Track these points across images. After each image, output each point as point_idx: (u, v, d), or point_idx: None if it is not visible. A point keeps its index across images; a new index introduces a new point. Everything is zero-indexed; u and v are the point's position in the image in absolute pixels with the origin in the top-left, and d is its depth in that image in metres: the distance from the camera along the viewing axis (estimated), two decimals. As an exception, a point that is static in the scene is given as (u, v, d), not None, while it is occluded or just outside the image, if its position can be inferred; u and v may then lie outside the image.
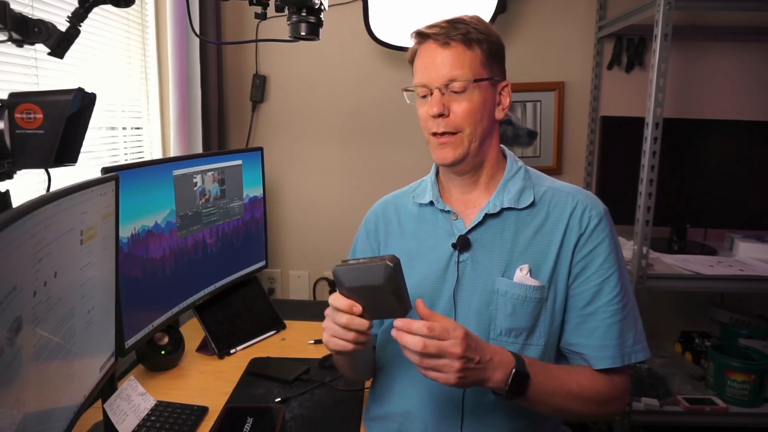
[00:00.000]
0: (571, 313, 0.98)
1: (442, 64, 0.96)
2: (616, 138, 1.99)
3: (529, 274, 0.97)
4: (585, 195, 1.01)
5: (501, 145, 1.08)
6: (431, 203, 1.06)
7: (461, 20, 0.98)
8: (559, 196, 1.01)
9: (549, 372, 0.93)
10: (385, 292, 0.81)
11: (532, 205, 1.00)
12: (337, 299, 0.86)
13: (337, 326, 0.86)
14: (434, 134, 0.98)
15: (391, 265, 0.80)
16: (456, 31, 0.95)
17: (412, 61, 1.04)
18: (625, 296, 0.97)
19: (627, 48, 2.13)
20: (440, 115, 0.96)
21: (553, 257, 0.97)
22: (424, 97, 0.99)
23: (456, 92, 0.96)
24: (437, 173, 1.11)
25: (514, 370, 0.87)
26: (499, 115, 1.02)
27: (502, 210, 1.00)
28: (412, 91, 1.02)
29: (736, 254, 1.93)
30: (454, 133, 0.97)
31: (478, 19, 0.99)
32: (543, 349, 0.98)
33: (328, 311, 0.90)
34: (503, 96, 1.02)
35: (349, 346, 0.87)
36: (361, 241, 1.18)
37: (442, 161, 1.00)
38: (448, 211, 1.04)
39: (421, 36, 0.99)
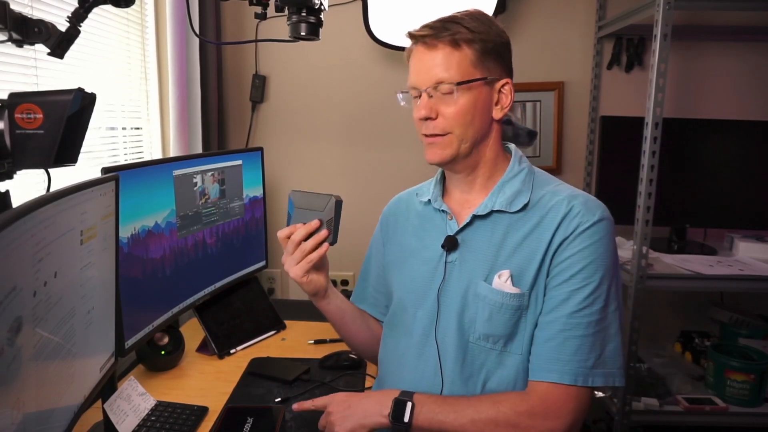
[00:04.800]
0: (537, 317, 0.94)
1: (429, 66, 0.95)
2: (616, 138, 1.99)
3: (509, 280, 0.93)
4: (583, 200, 0.94)
5: (508, 145, 1.06)
6: (430, 202, 1.07)
7: (454, 18, 0.95)
8: (554, 201, 0.95)
9: (443, 400, 0.93)
10: (324, 220, 1.01)
11: (525, 209, 0.96)
12: (283, 230, 1.03)
13: (300, 248, 1.01)
14: (425, 135, 0.99)
15: (335, 200, 1.00)
16: (445, 32, 0.93)
17: (408, 60, 1.04)
18: (598, 313, 0.90)
19: (627, 48, 2.13)
20: (428, 118, 0.96)
21: (537, 263, 0.93)
22: (416, 98, 0.99)
23: (445, 94, 0.95)
24: (443, 173, 1.10)
25: (395, 399, 0.92)
26: (498, 114, 0.99)
27: (492, 212, 0.98)
28: (408, 92, 1.02)
29: (735, 254, 1.93)
30: (443, 135, 0.97)
31: (475, 16, 0.96)
32: (524, 357, 0.93)
33: (284, 259, 1.04)
34: (503, 94, 0.99)
35: (316, 255, 1.01)
36: (375, 235, 1.22)
37: (429, 161, 1.00)
38: (444, 211, 1.04)
39: (411, 38, 0.99)
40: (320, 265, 1.05)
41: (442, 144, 0.97)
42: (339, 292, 1.14)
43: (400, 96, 1.04)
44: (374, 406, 0.94)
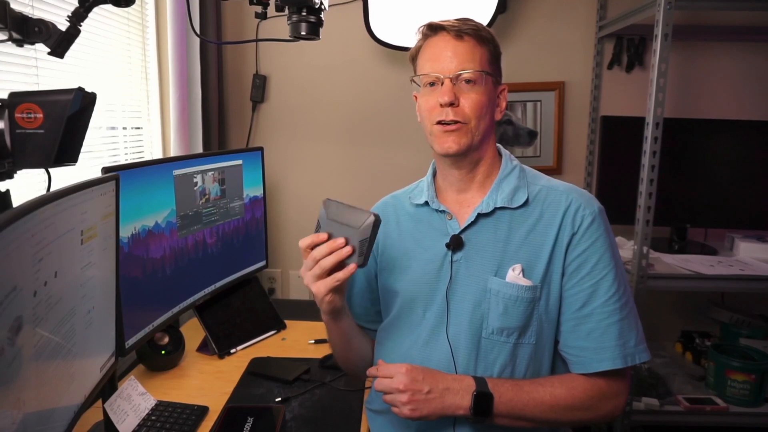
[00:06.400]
0: (565, 315, 0.98)
1: (454, 55, 0.98)
2: (617, 138, 1.99)
3: (521, 273, 0.97)
4: (579, 193, 1.01)
5: (497, 145, 1.09)
6: (427, 204, 1.07)
7: (470, 19, 1.02)
8: (553, 195, 1.01)
9: (518, 388, 0.94)
10: (356, 238, 0.89)
11: (526, 204, 1.01)
12: (305, 238, 0.91)
13: (319, 264, 0.89)
14: (440, 123, 0.99)
15: (374, 218, 0.88)
16: (468, 27, 0.99)
17: (414, 57, 1.06)
18: (623, 296, 0.96)
19: (627, 48, 2.13)
20: (450, 104, 0.97)
21: (546, 256, 0.97)
22: (432, 85, 1.00)
23: (466, 83, 0.98)
24: (434, 174, 1.12)
25: (475, 393, 0.91)
26: (497, 116, 1.05)
27: (495, 209, 1.01)
28: (417, 84, 1.04)
29: (736, 254, 1.93)
30: (462, 123, 0.98)
31: (484, 26, 1.03)
32: (534, 348, 0.98)
33: (303, 272, 0.93)
34: (500, 99, 1.05)
35: (343, 275, 0.89)
36: None
37: (446, 150, 0.99)
38: (443, 211, 1.05)
39: (433, 29, 1.02)
40: (342, 286, 0.95)
41: (459, 132, 0.99)
42: (348, 310, 1.09)
43: (413, 83, 1.06)
44: (453, 398, 0.92)
